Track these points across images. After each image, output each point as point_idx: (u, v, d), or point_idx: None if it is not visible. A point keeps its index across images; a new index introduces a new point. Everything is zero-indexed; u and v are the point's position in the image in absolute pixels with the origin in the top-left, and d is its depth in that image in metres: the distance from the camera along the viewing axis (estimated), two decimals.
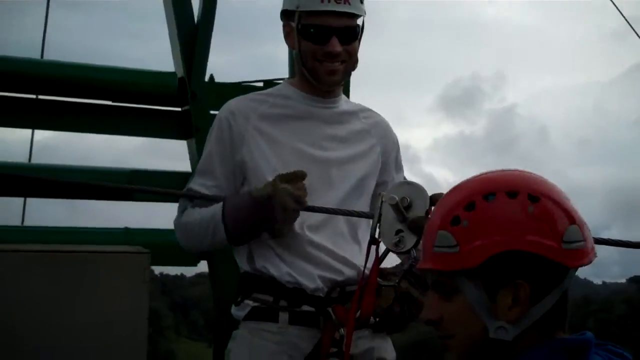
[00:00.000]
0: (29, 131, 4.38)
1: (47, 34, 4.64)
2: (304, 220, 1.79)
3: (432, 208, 1.58)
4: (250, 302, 1.80)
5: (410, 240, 1.59)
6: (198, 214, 1.81)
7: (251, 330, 1.79)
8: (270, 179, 1.74)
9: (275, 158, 1.80)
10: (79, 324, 2.87)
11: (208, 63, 3.73)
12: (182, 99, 3.68)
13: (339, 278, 1.79)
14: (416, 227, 1.58)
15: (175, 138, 3.82)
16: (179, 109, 3.76)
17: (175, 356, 26.81)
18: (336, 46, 1.77)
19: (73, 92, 3.65)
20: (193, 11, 3.75)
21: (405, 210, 1.58)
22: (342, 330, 1.72)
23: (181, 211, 1.87)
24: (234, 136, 1.82)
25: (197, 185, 1.86)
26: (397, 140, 2.01)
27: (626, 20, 4.13)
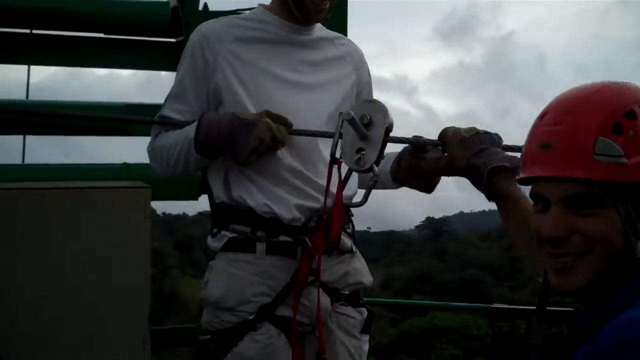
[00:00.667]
0: (25, 72, 4.33)
1: None
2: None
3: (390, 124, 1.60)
4: (228, 233, 1.80)
5: (371, 156, 1.57)
6: (174, 135, 1.80)
7: (228, 261, 1.79)
8: (246, 102, 1.75)
9: (250, 82, 1.78)
10: (80, 262, 2.88)
11: None
12: (176, 30, 3.60)
13: (317, 206, 1.78)
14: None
15: (170, 70, 3.75)
16: (174, 40, 3.67)
17: (179, 294, 27.37)
18: None
19: (66, 25, 3.58)
20: None
21: (365, 128, 1.57)
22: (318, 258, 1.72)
23: (154, 136, 1.86)
24: (207, 60, 1.78)
25: (170, 110, 1.84)
26: (370, 72, 2.01)
27: None
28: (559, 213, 1.06)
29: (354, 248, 1.89)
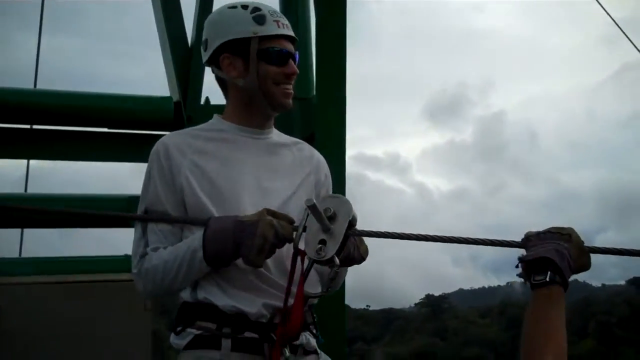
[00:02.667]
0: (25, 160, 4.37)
1: (39, 61, 4.65)
2: None
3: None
4: (193, 331, 1.76)
5: (331, 248, 1.61)
6: (168, 252, 1.77)
7: (194, 358, 1.75)
8: (210, 208, 1.76)
9: (212, 188, 1.79)
10: (83, 354, 2.84)
11: (203, 85, 3.72)
12: (178, 123, 3.66)
13: (281, 304, 1.78)
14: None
15: None
16: None
17: None
18: (294, 67, 1.84)
19: (68, 120, 3.64)
20: (187, 34, 3.75)
21: (329, 221, 1.62)
22: (286, 352, 1.70)
23: (141, 257, 1.80)
24: (172, 167, 1.80)
25: (153, 224, 1.82)
26: (329, 174, 2.05)
27: (613, 20, 4.19)
28: None
29: (319, 350, 1.88)
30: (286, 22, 1.85)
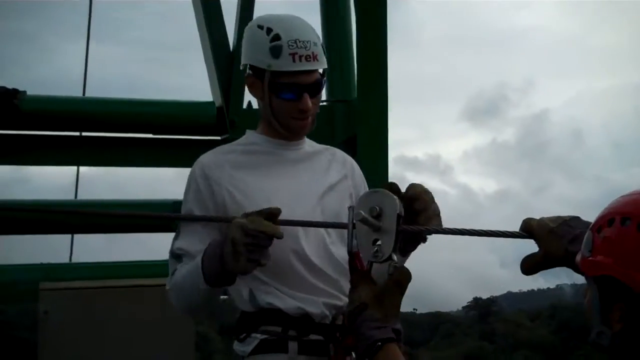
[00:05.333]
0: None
1: (87, 69, 4.75)
2: (300, 250, 1.77)
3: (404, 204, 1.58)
4: (258, 335, 1.77)
5: (387, 247, 1.55)
6: (185, 268, 1.77)
7: None
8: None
9: (253, 196, 1.79)
10: (129, 358, 2.88)
11: (246, 90, 3.73)
12: (221, 128, 3.69)
13: (340, 303, 1.78)
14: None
15: None
16: (219, 138, 3.76)
17: None
18: (308, 103, 1.79)
19: (115, 127, 3.72)
20: (229, 39, 3.77)
21: (376, 220, 1.55)
22: (353, 354, 1.69)
23: (172, 273, 1.82)
24: (211, 184, 1.81)
25: (183, 242, 1.82)
26: (362, 176, 2.03)
27: None
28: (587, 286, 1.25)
29: None
30: (308, 52, 1.75)
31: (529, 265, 1.66)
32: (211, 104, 3.75)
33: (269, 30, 1.76)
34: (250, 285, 1.79)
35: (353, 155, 2.12)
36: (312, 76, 1.78)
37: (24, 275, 3.53)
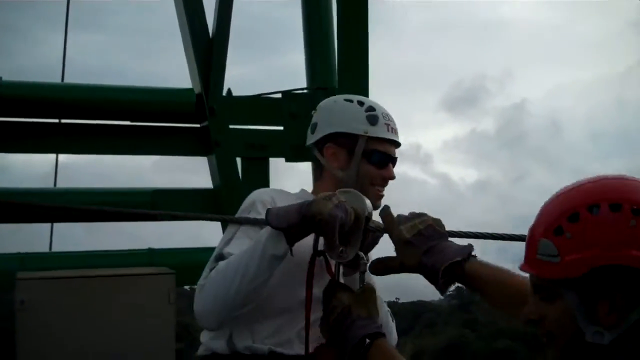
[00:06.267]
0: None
1: (66, 57, 4.69)
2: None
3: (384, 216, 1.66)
4: None
5: (352, 249, 1.59)
6: (234, 256, 1.69)
7: None
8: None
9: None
10: (107, 348, 2.85)
11: (225, 77, 3.71)
12: (200, 115, 3.66)
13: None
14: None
15: (195, 154, 3.80)
16: (198, 125, 3.73)
17: None
18: (392, 172, 1.89)
19: (94, 114, 3.67)
20: (208, 25, 3.73)
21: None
22: None
23: (209, 269, 1.72)
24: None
25: (232, 247, 1.77)
26: None
27: None
28: (534, 299, 1.21)
29: None
30: (395, 126, 1.90)
31: (382, 267, 1.72)
32: (190, 90, 3.71)
33: (361, 103, 1.89)
34: (231, 329, 1.76)
35: None
36: (394, 149, 1.91)
37: (1, 265, 3.49)
